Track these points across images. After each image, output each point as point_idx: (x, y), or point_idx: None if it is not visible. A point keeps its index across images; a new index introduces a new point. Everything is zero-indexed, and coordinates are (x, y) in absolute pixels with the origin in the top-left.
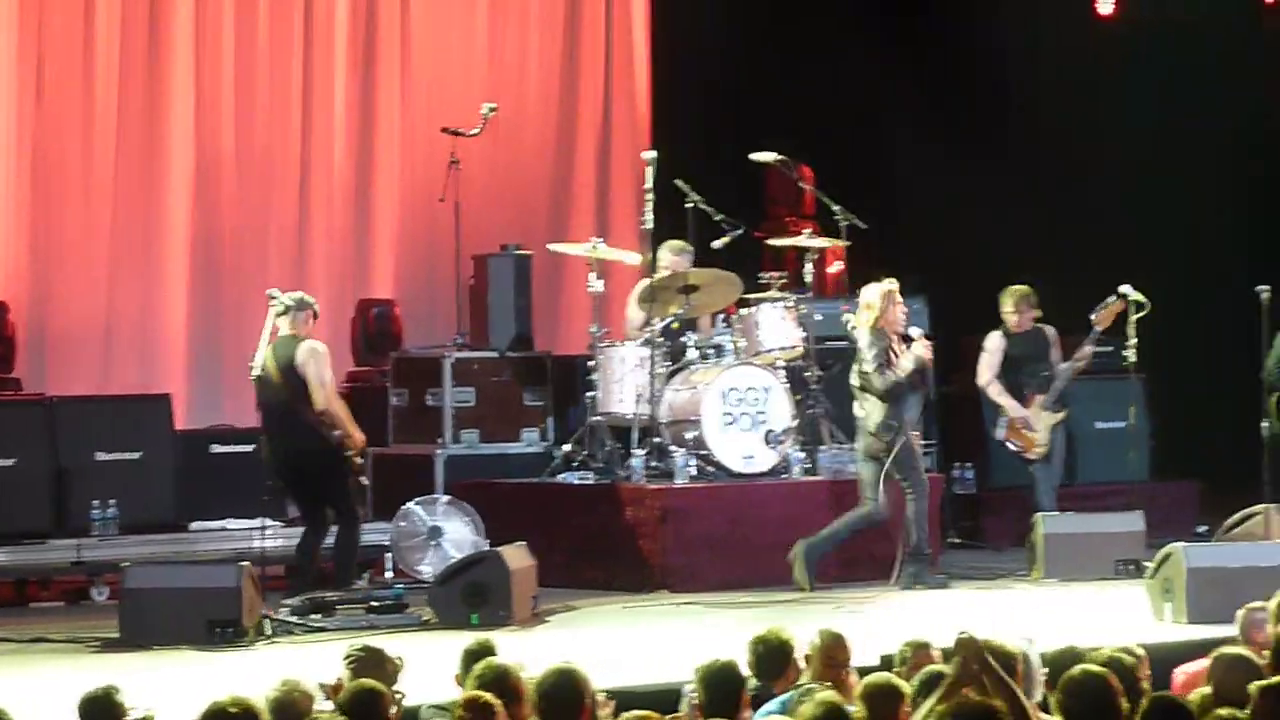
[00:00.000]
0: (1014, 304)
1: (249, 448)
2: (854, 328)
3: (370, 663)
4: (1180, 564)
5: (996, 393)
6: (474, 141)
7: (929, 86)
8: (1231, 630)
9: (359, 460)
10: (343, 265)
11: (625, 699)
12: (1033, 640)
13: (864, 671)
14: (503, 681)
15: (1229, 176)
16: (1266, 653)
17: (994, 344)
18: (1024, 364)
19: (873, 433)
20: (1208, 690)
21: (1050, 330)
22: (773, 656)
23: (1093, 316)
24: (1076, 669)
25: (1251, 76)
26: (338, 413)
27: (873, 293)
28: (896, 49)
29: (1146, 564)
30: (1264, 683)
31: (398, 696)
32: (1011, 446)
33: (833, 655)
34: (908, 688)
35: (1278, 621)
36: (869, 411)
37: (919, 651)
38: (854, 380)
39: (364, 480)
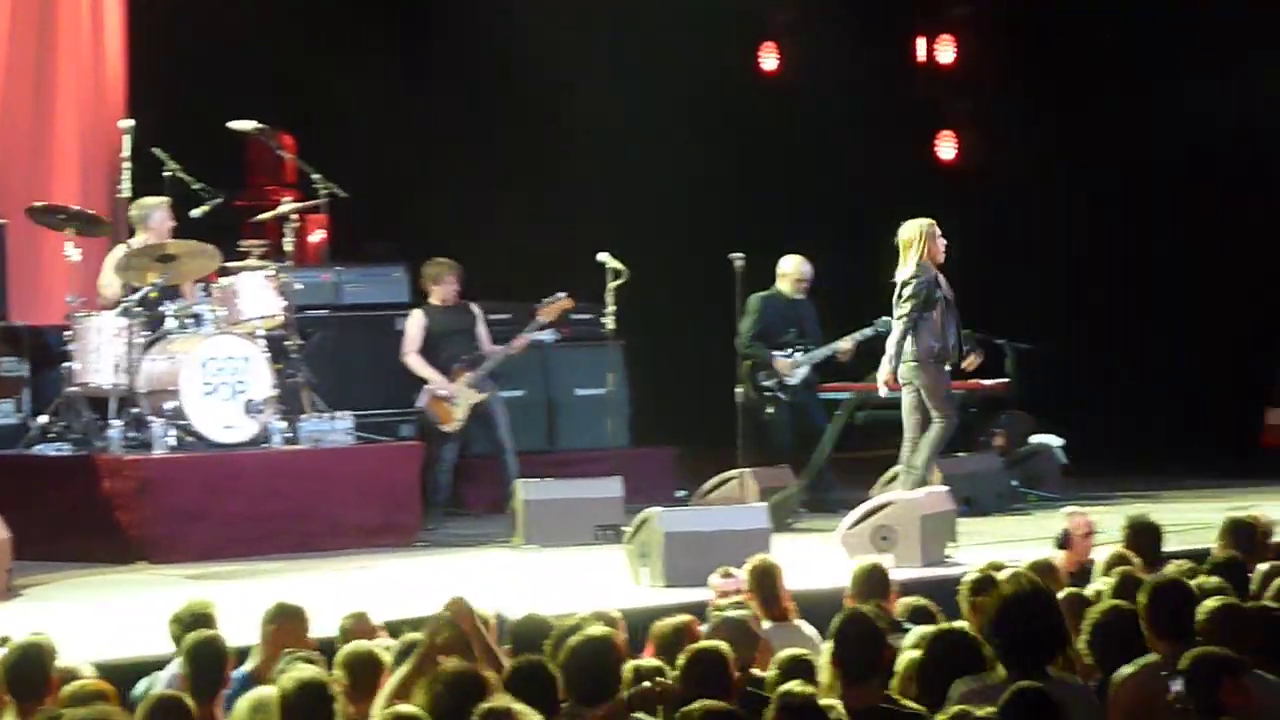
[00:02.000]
0: (437, 277)
1: None
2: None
3: None
4: (656, 528)
5: (418, 365)
6: None
7: (413, 54)
8: (706, 593)
9: None
10: None
11: (103, 671)
12: (502, 609)
13: (324, 643)
14: None
15: (704, 144)
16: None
17: (416, 319)
18: (449, 339)
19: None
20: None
21: (475, 307)
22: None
23: (537, 307)
24: (574, 637)
25: (721, 42)
26: None
27: (912, 229)
28: (379, 16)
29: (626, 529)
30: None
31: None
32: (429, 416)
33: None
34: (388, 656)
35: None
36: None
37: (359, 622)
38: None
39: None
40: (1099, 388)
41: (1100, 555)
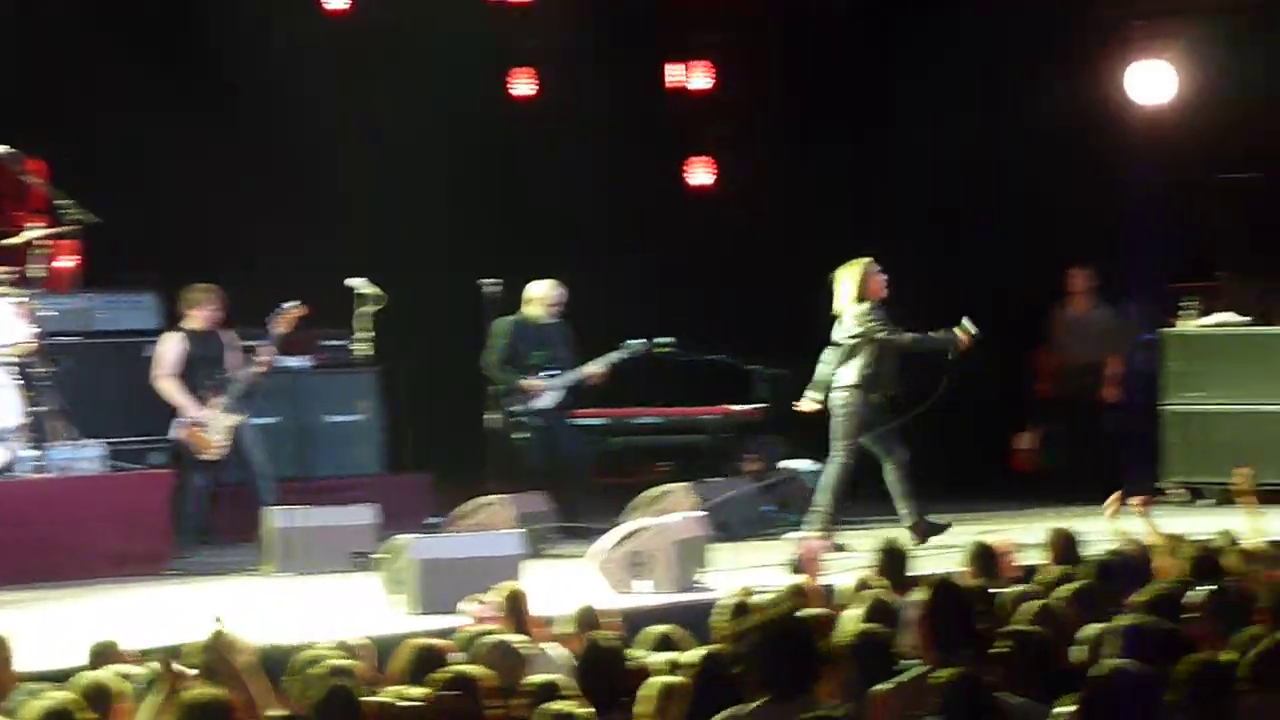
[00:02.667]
0: (196, 302)
1: None
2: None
3: None
4: (409, 555)
5: (171, 390)
6: None
7: (171, 81)
8: (460, 620)
9: None
10: None
11: None
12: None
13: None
14: None
15: (461, 170)
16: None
17: (172, 342)
18: (201, 365)
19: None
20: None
21: (229, 333)
22: None
23: (269, 320)
24: (313, 668)
25: (476, 68)
26: None
27: (853, 267)
28: (137, 42)
29: (379, 556)
30: None
31: None
32: (188, 446)
33: None
34: (127, 686)
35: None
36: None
37: (106, 651)
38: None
39: None
40: None
41: (845, 580)
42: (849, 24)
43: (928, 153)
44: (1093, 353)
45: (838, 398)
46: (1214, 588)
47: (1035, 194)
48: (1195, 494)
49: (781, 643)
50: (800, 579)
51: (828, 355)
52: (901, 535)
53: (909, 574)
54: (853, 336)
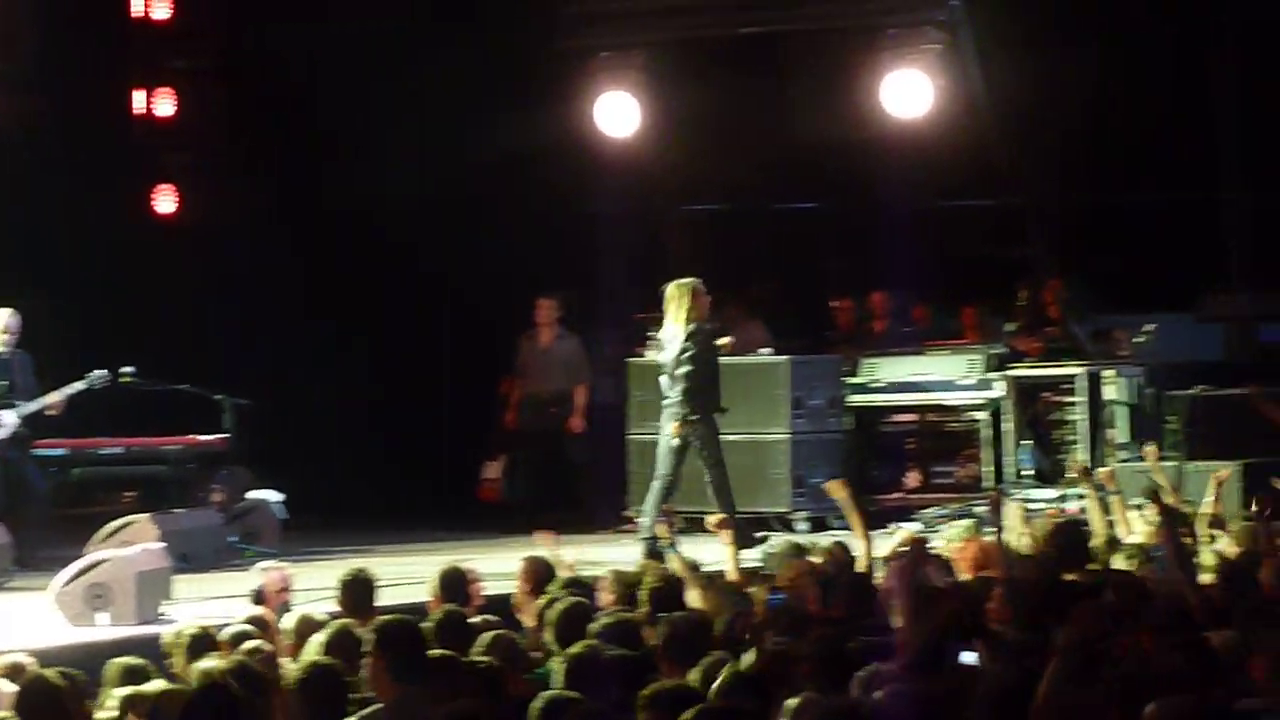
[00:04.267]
0: None
1: None
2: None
3: None
4: None
5: None
6: None
7: None
8: None
9: None
10: None
11: None
12: None
13: None
14: None
15: None
16: None
17: None
18: None
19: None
20: None
21: None
22: None
23: None
24: None
25: None
26: None
27: (680, 287)
28: None
29: None
30: None
31: None
32: None
33: None
34: None
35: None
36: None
37: None
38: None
39: None
40: (318, 443)
41: (310, 610)
42: (310, 55)
43: (389, 186)
44: (559, 383)
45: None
46: (674, 615)
47: (504, 226)
48: None
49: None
50: (261, 610)
51: (664, 381)
52: (367, 564)
53: (375, 603)
54: (680, 358)
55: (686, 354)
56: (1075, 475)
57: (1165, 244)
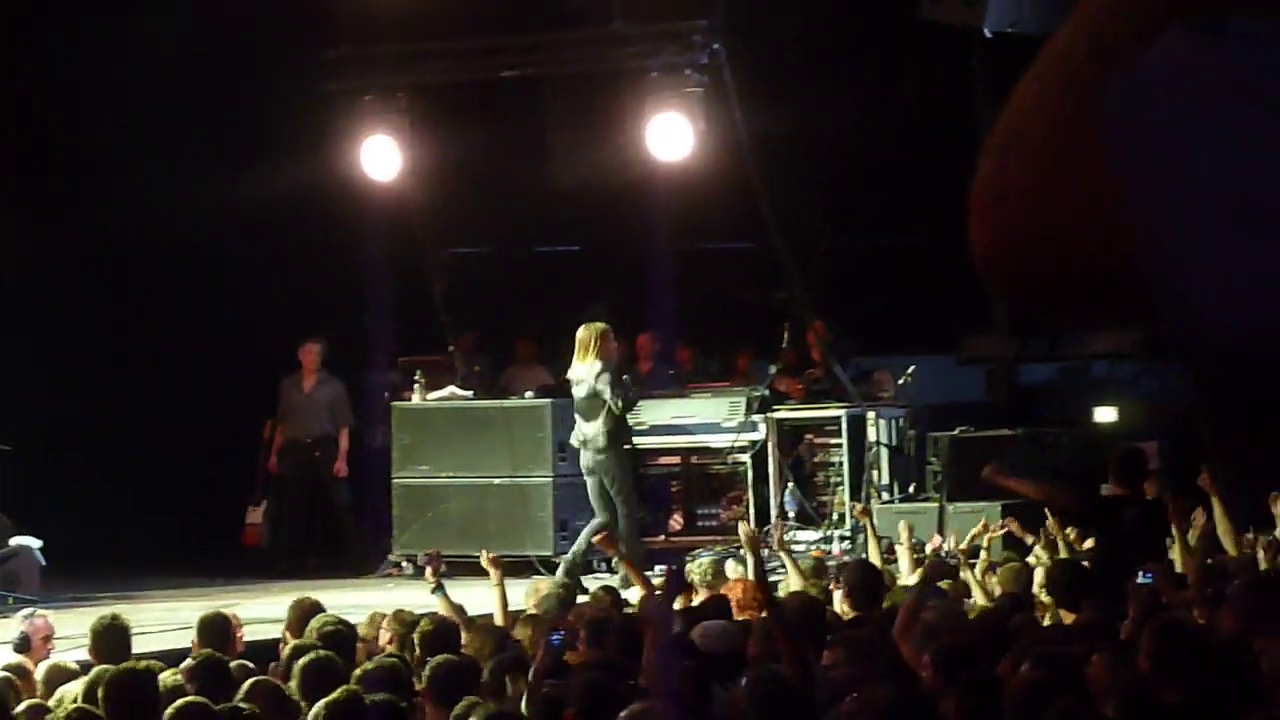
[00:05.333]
0: None
1: None
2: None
3: None
4: None
5: None
6: None
7: None
8: None
9: None
10: None
11: None
12: None
13: None
14: None
15: None
16: None
17: None
18: None
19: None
20: None
21: None
22: None
23: None
24: None
25: None
26: None
27: (591, 330)
28: None
29: None
30: None
31: None
32: None
33: None
34: None
35: None
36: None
37: None
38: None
39: None
40: (79, 488)
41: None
42: (72, 86)
43: (153, 228)
44: (322, 426)
45: (596, 458)
46: (439, 658)
47: (269, 267)
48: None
49: None
50: (22, 658)
51: (578, 419)
52: (128, 610)
53: (131, 650)
54: (590, 397)
55: (600, 394)
56: (856, 517)
57: (927, 286)
